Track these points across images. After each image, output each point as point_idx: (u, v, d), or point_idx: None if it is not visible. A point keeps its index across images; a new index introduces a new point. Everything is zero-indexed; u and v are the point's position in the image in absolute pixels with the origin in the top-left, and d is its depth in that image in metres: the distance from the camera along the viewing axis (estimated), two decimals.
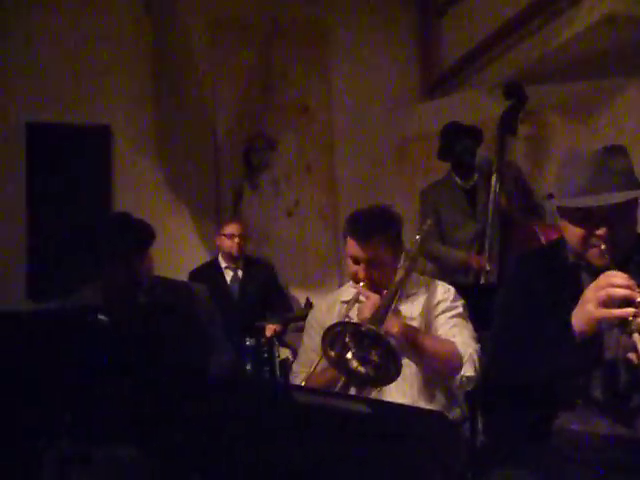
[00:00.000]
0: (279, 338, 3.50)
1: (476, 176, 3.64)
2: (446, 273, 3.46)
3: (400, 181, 4.58)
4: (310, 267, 4.46)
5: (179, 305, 2.19)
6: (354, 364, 1.73)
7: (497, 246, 3.42)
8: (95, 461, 1.85)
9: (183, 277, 3.66)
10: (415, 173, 4.47)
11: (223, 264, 3.90)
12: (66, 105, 4.15)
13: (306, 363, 2.01)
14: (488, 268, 3.37)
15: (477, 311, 2.01)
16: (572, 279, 1.54)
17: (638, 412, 1.50)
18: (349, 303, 1.92)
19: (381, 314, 1.74)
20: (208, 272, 3.85)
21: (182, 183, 4.36)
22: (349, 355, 1.73)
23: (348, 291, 2.07)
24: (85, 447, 1.85)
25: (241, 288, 3.87)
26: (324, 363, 1.83)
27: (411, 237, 2.18)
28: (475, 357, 1.86)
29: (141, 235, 2.17)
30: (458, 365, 1.84)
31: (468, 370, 1.84)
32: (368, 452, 1.17)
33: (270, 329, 3.50)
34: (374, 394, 1.88)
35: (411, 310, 1.99)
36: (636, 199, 1.49)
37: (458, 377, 1.84)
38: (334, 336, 1.72)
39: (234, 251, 3.82)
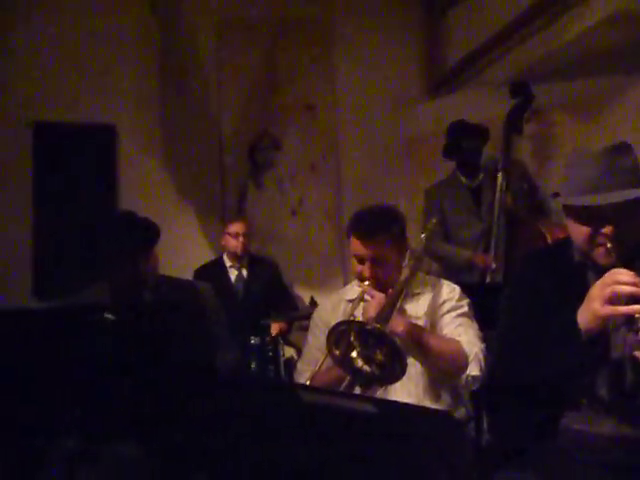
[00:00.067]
0: (284, 337, 3.51)
1: (481, 175, 3.63)
2: (451, 272, 3.45)
3: (405, 180, 4.57)
4: (314, 266, 4.46)
5: (184, 303, 2.19)
6: (359, 363, 1.73)
7: (503, 245, 3.41)
8: (101, 460, 1.85)
9: (188, 276, 3.67)
10: (420, 172, 4.46)
11: (228, 263, 3.91)
12: (72, 104, 4.16)
13: (311, 362, 2.01)
14: (494, 266, 3.36)
15: (482, 310, 2.00)
16: (578, 278, 1.53)
17: None
18: (354, 302, 1.92)
19: (386, 313, 1.73)
20: (213, 270, 3.86)
21: (187, 182, 4.37)
22: (354, 354, 1.73)
23: (353, 290, 2.07)
24: (91, 446, 1.85)
25: (246, 287, 3.88)
26: (329, 362, 1.83)
27: (416, 236, 2.17)
28: (481, 356, 1.85)
29: (146, 234, 2.18)
30: (464, 364, 1.83)
31: (474, 369, 1.84)
32: (374, 452, 1.16)
33: (275, 328, 3.50)
34: (379, 393, 1.88)
35: (416, 309, 1.98)
36: None
37: (464, 376, 1.84)
38: (339, 335, 1.71)
39: (238, 250, 3.82)
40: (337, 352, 1.72)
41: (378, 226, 1.93)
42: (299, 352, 3.24)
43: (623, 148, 1.49)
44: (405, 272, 1.94)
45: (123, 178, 4.26)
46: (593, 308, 1.37)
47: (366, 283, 1.91)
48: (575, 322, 1.39)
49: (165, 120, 4.36)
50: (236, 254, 3.84)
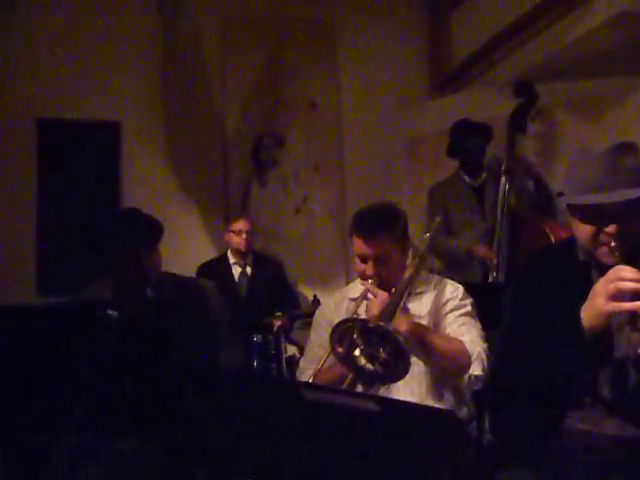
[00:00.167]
0: (286, 335, 3.51)
1: (485, 174, 3.63)
2: (454, 270, 3.44)
3: (409, 179, 4.57)
4: (318, 264, 4.46)
5: (188, 301, 2.20)
6: (362, 361, 1.73)
7: (506, 245, 3.41)
8: (103, 457, 1.86)
9: (191, 273, 3.67)
10: (424, 171, 4.46)
11: (232, 260, 3.91)
12: (76, 102, 4.17)
13: (313, 360, 2.01)
14: (496, 261, 3.35)
15: (486, 310, 2.00)
16: (582, 277, 1.53)
17: None
18: (357, 300, 1.92)
19: (390, 312, 1.73)
20: (216, 267, 3.87)
21: (191, 179, 4.38)
22: (357, 352, 1.73)
23: (356, 288, 2.07)
24: (93, 443, 1.86)
25: (249, 284, 3.88)
26: (331, 360, 1.83)
27: (420, 235, 2.17)
28: (483, 356, 1.85)
29: (150, 231, 2.18)
30: (466, 364, 1.83)
31: (476, 369, 1.84)
32: (377, 450, 1.17)
33: (277, 323, 3.51)
34: (381, 392, 1.88)
35: (420, 308, 1.98)
36: None
37: (466, 376, 1.84)
38: (342, 332, 1.71)
39: (242, 247, 3.83)
40: (340, 350, 1.72)
41: (380, 225, 1.93)
42: (301, 350, 3.23)
43: (627, 147, 1.49)
44: (408, 271, 1.94)
45: (127, 175, 4.27)
46: (597, 304, 1.37)
47: (369, 282, 1.91)
48: (578, 319, 1.39)
49: (169, 118, 4.36)
50: (239, 251, 3.85)
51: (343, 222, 4.35)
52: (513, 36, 3.83)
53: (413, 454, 1.16)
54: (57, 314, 1.89)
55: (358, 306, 1.89)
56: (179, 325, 2.11)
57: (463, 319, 1.94)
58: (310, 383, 1.80)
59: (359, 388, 1.80)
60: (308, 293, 4.09)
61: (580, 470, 1.48)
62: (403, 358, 1.67)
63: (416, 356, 1.83)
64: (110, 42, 4.25)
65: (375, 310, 1.78)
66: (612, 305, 1.35)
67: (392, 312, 1.73)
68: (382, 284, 1.90)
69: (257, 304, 3.77)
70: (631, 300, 1.34)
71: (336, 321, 1.78)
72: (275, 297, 3.85)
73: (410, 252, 2.04)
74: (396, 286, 1.88)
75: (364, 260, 1.94)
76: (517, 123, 3.59)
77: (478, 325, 1.96)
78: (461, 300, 1.98)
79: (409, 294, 1.94)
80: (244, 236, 3.82)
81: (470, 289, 2.06)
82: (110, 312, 1.85)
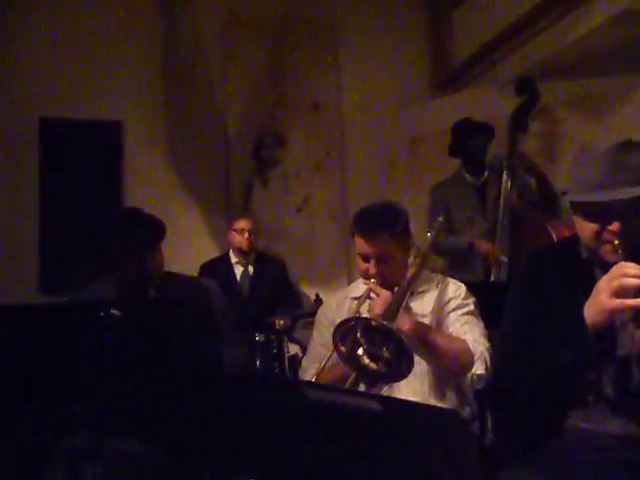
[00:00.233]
0: (288, 334, 3.51)
1: (487, 173, 3.62)
2: (456, 268, 3.44)
3: (410, 178, 4.57)
4: (319, 263, 4.46)
5: (190, 300, 2.20)
6: (365, 360, 1.73)
7: (508, 243, 3.40)
8: (105, 456, 1.86)
9: (193, 273, 3.67)
10: (426, 170, 4.46)
11: (234, 259, 3.92)
12: (78, 101, 4.17)
13: (315, 359, 2.01)
14: (503, 258, 3.34)
15: (488, 309, 2.00)
16: (585, 275, 1.53)
17: None
18: (360, 299, 1.92)
19: (392, 310, 1.73)
20: (219, 266, 3.87)
21: (193, 179, 4.38)
22: (360, 351, 1.73)
23: (358, 288, 2.07)
24: (95, 442, 1.86)
25: (251, 284, 3.88)
26: (334, 359, 1.83)
27: (422, 234, 2.17)
28: (486, 355, 1.85)
29: (152, 230, 2.18)
30: (469, 363, 1.83)
31: (479, 368, 1.83)
32: (379, 449, 1.16)
33: (279, 322, 3.51)
34: (384, 391, 1.87)
35: (422, 307, 1.98)
36: None
37: (469, 375, 1.84)
38: (345, 331, 1.71)
39: (244, 246, 3.83)
40: (343, 349, 1.72)
41: (381, 223, 1.93)
42: (304, 349, 3.23)
43: (631, 145, 1.49)
44: (411, 270, 1.94)
45: (129, 175, 4.27)
46: (600, 301, 1.36)
47: (371, 281, 1.91)
48: (581, 317, 1.39)
49: (171, 117, 4.37)
50: (242, 250, 3.85)
51: (345, 221, 4.35)
52: (514, 35, 3.83)
53: (416, 453, 1.16)
54: (59, 313, 1.89)
55: (361, 305, 1.89)
56: (181, 325, 2.10)
57: (466, 318, 1.94)
58: (313, 382, 1.80)
59: (362, 387, 1.80)
60: (310, 292, 4.09)
61: (583, 470, 1.48)
62: (406, 357, 1.67)
63: (419, 355, 1.82)
64: (112, 42, 4.25)
65: (378, 309, 1.78)
66: (616, 302, 1.34)
67: (395, 311, 1.73)
68: (384, 283, 1.90)
69: (259, 303, 3.77)
70: (635, 297, 1.33)
71: (338, 320, 1.77)
72: (277, 296, 3.85)
73: (412, 251, 2.04)
74: (398, 285, 1.88)
75: (366, 259, 1.94)
76: (518, 122, 3.59)
77: (481, 324, 1.96)
78: (464, 299, 1.98)
79: (412, 293, 1.94)
80: (246, 235, 3.82)
81: (472, 288, 2.06)
82: (113, 311, 1.85)
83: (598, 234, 1.48)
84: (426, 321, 1.93)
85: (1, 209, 4.05)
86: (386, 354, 1.71)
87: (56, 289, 3.81)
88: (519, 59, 3.93)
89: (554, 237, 3.18)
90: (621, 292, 1.34)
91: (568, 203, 1.55)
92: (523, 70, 3.89)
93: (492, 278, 3.40)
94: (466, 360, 1.83)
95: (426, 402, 1.87)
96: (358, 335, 1.72)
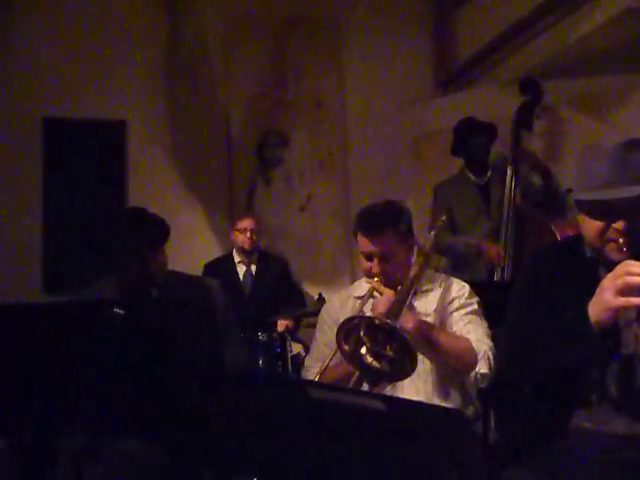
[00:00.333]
0: (291, 333, 3.51)
1: (490, 172, 3.61)
2: (460, 269, 3.43)
3: (413, 177, 4.57)
4: (322, 263, 4.46)
5: (193, 300, 2.19)
6: (368, 359, 1.72)
7: (512, 243, 3.39)
8: (107, 456, 1.86)
9: (197, 272, 3.67)
10: (429, 169, 4.45)
11: (237, 259, 3.92)
12: (82, 100, 4.18)
13: (318, 358, 2.01)
14: (505, 262, 3.33)
15: (491, 308, 2.00)
16: (589, 274, 1.52)
17: None
18: (363, 298, 1.91)
19: (396, 309, 1.73)
20: (222, 266, 3.87)
21: (196, 178, 4.38)
22: (363, 350, 1.73)
23: (361, 287, 2.07)
24: (97, 442, 1.86)
25: (254, 283, 3.88)
26: (337, 358, 1.83)
27: (425, 233, 2.17)
28: (490, 354, 1.85)
29: (155, 230, 2.17)
30: (473, 362, 1.83)
31: (482, 367, 1.83)
32: (383, 449, 1.16)
33: (282, 325, 3.50)
34: (387, 390, 1.87)
35: (426, 306, 1.98)
36: None
37: (472, 374, 1.83)
38: (349, 330, 1.71)
39: (246, 245, 3.84)
40: (346, 347, 1.72)
41: (384, 222, 1.93)
42: (307, 348, 3.23)
43: (636, 144, 1.49)
44: (414, 269, 1.93)
45: (132, 174, 4.28)
46: (605, 299, 1.36)
47: (375, 280, 1.91)
48: (586, 315, 1.38)
49: (174, 117, 4.37)
50: (244, 249, 3.86)
51: (348, 220, 4.35)
52: (517, 34, 3.82)
53: (419, 453, 1.16)
54: (62, 313, 1.89)
55: (364, 304, 1.88)
56: (184, 324, 2.10)
57: (469, 317, 1.94)
58: (316, 382, 1.80)
59: (365, 386, 1.79)
60: (313, 291, 4.09)
61: (587, 470, 1.47)
62: (410, 356, 1.67)
63: (422, 354, 1.82)
64: (115, 42, 4.26)
65: (381, 308, 1.78)
66: (621, 300, 1.34)
67: (398, 310, 1.73)
68: (388, 282, 1.90)
69: (262, 303, 3.77)
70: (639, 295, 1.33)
71: (342, 320, 1.77)
72: (280, 295, 3.85)
73: (415, 250, 2.03)
74: (402, 284, 1.88)
75: (369, 258, 1.94)
76: (522, 121, 3.58)
77: (484, 323, 1.95)
78: (467, 298, 1.98)
79: (415, 292, 1.94)
80: (248, 234, 3.83)
81: (476, 287, 2.05)
82: (117, 310, 1.84)
83: (602, 232, 1.48)
84: (429, 320, 1.93)
85: (4, 209, 4.06)
86: (389, 353, 1.71)
87: (59, 288, 3.82)
88: (522, 58, 3.92)
89: (558, 236, 3.18)
90: (626, 290, 1.34)
91: (572, 200, 1.54)
92: (526, 69, 3.88)
93: (495, 278, 3.39)
94: (469, 359, 1.83)
95: (430, 401, 1.87)
96: (361, 334, 1.72)
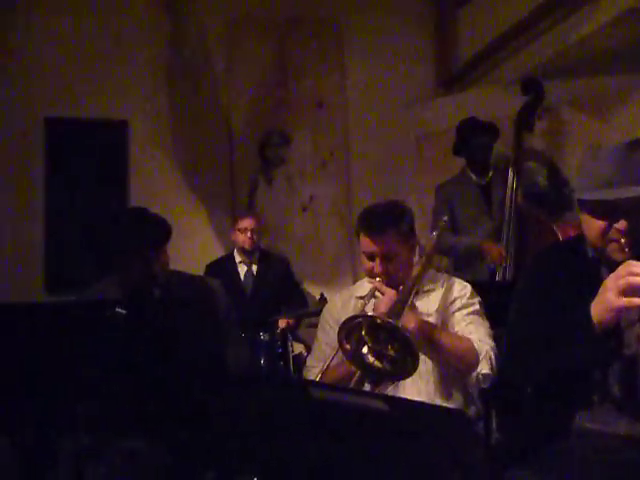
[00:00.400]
0: (293, 333, 3.51)
1: (491, 172, 3.61)
2: (462, 269, 3.43)
3: (415, 177, 4.56)
4: (324, 262, 4.46)
5: (194, 299, 2.19)
6: (370, 358, 1.72)
7: (513, 243, 3.39)
8: (109, 456, 1.86)
9: (198, 272, 3.67)
10: (430, 169, 4.45)
11: (238, 258, 3.92)
12: (84, 100, 4.18)
13: (320, 358, 2.01)
14: (507, 263, 3.33)
15: (493, 308, 2.00)
16: (591, 274, 1.52)
17: None
18: (365, 298, 1.91)
19: (398, 309, 1.73)
20: (223, 266, 3.88)
21: (198, 178, 4.38)
22: (365, 349, 1.73)
23: (363, 287, 2.07)
24: (99, 441, 1.86)
25: (255, 283, 3.89)
26: (338, 358, 1.83)
27: (426, 233, 2.17)
28: (492, 354, 1.84)
29: (157, 230, 2.17)
30: (475, 362, 1.82)
31: (484, 367, 1.83)
32: (385, 449, 1.16)
33: (283, 321, 3.51)
34: (389, 390, 1.87)
35: (428, 306, 1.98)
36: None
37: (474, 374, 1.83)
38: (350, 329, 1.71)
39: (246, 245, 3.84)
40: (348, 346, 1.72)
41: (387, 222, 1.93)
42: (308, 348, 3.24)
43: (638, 144, 1.49)
44: (416, 269, 1.93)
45: (134, 174, 4.28)
46: (607, 300, 1.36)
47: (377, 279, 1.91)
48: (588, 315, 1.38)
49: (176, 117, 4.37)
50: (244, 249, 3.86)
51: (350, 220, 4.35)
52: (520, 34, 3.82)
53: (421, 453, 1.16)
54: (65, 312, 1.89)
55: (366, 304, 1.88)
56: (186, 324, 2.10)
57: (471, 317, 1.93)
58: (317, 381, 1.80)
59: (366, 386, 1.79)
60: (314, 291, 4.09)
61: (589, 470, 1.47)
62: (412, 355, 1.67)
63: (424, 354, 1.82)
64: (117, 42, 4.26)
65: (383, 307, 1.78)
66: (623, 300, 1.34)
67: (400, 309, 1.73)
68: (389, 282, 1.90)
69: (263, 302, 3.77)
70: None
71: (343, 319, 1.77)
72: (282, 295, 3.85)
73: (417, 250, 2.03)
74: (403, 284, 1.88)
75: (371, 258, 1.94)
76: (524, 121, 3.58)
77: (486, 324, 1.95)
78: (469, 298, 1.98)
79: (417, 292, 1.94)
80: (249, 234, 3.83)
81: (478, 287, 2.05)
82: (119, 310, 1.85)
83: (605, 232, 1.48)
84: (431, 320, 1.93)
85: (7, 209, 4.07)
86: (391, 352, 1.71)
87: (61, 288, 3.82)
88: (524, 58, 3.92)
89: (560, 237, 3.17)
90: (628, 291, 1.34)
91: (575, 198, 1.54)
92: (527, 70, 3.88)
93: (497, 278, 3.39)
94: (471, 359, 1.83)
95: (431, 402, 1.86)
96: (363, 333, 1.72)
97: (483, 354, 1.84)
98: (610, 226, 1.47)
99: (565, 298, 1.51)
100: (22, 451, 1.84)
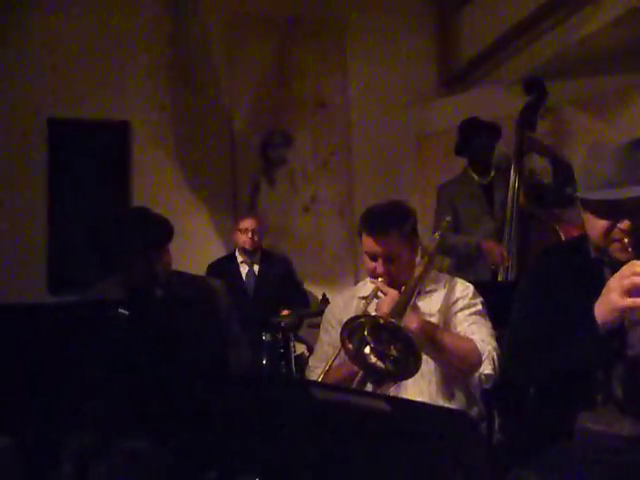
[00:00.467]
0: (295, 333, 3.51)
1: (493, 172, 3.61)
2: (463, 269, 3.43)
3: (417, 177, 4.56)
4: (326, 263, 4.46)
5: (196, 300, 2.19)
6: (372, 359, 1.72)
7: (516, 243, 3.38)
8: (112, 455, 1.86)
9: (200, 272, 3.67)
10: (432, 169, 4.45)
11: (240, 258, 3.93)
12: (86, 101, 4.18)
13: (322, 358, 2.01)
14: (509, 263, 3.32)
15: (496, 309, 1.99)
16: (594, 274, 1.52)
17: None
18: (367, 298, 1.91)
19: (400, 309, 1.73)
20: (225, 265, 3.88)
21: (199, 178, 4.39)
22: (367, 349, 1.73)
23: (365, 287, 2.06)
24: (102, 441, 1.86)
25: (257, 283, 3.89)
26: (341, 358, 1.82)
27: (428, 233, 2.16)
28: (494, 355, 1.84)
29: (160, 230, 2.17)
30: (477, 362, 1.82)
31: (487, 368, 1.82)
32: (387, 450, 1.16)
33: (286, 312, 3.52)
34: (391, 391, 1.87)
35: (430, 306, 1.97)
36: None
37: (477, 375, 1.83)
38: (353, 329, 1.71)
39: (247, 245, 3.85)
40: (350, 346, 1.72)
41: (390, 223, 1.93)
42: (310, 349, 3.24)
43: None
44: (418, 269, 1.93)
45: (136, 175, 4.28)
46: (611, 300, 1.36)
47: (379, 280, 1.90)
48: (592, 315, 1.38)
49: (177, 117, 4.37)
50: (245, 249, 3.86)
51: (351, 220, 4.35)
52: (522, 34, 3.81)
53: (424, 454, 1.15)
54: (67, 313, 1.89)
55: (368, 304, 1.88)
56: (188, 324, 2.10)
57: (473, 318, 1.93)
58: (319, 382, 1.80)
59: (369, 386, 1.79)
60: (316, 291, 4.09)
61: (592, 471, 1.47)
62: (414, 355, 1.66)
63: (426, 354, 1.82)
64: (119, 41, 4.26)
65: (385, 308, 1.77)
66: (627, 301, 1.34)
67: (402, 310, 1.73)
68: (392, 282, 1.90)
69: (265, 302, 3.77)
70: None
71: (345, 320, 1.77)
72: (284, 295, 3.85)
73: (419, 251, 2.03)
74: (406, 284, 1.88)
75: (374, 258, 1.94)
76: (527, 120, 3.57)
77: (488, 324, 1.95)
78: (471, 299, 1.97)
79: (419, 292, 1.94)
80: (250, 234, 3.83)
81: (480, 288, 2.05)
82: (121, 310, 1.85)
83: (608, 232, 1.48)
84: (434, 320, 1.93)
85: (10, 209, 4.07)
86: (393, 352, 1.70)
87: (64, 289, 3.83)
88: (526, 58, 3.91)
89: (562, 237, 3.17)
90: (632, 291, 1.33)
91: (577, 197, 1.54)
92: (530, 69, 3.87)
93: (499, 278, 3.38)
94: (474, 359, 1.82)
95: (434, 402, 1.86)
96: (365, 333, 1.72)
97: (485, 354, 1.83)
98: (613, 226, 1.47)
99: (567, 298, 1.50)
100: (25, 451, 1.84)
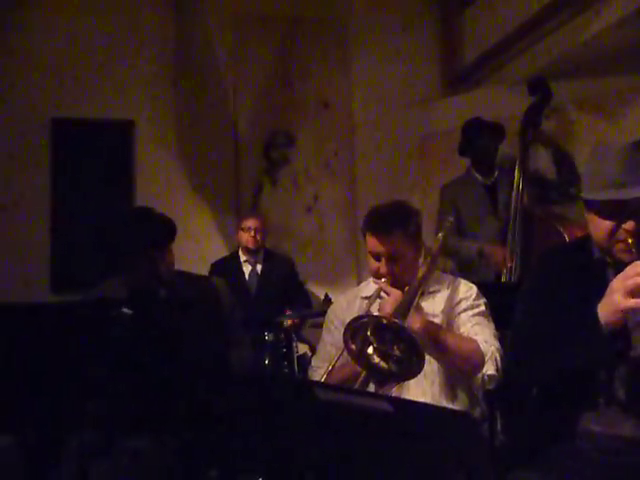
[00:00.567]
0: (297, 333, 3.51)
1: (497, 173, 3.60)
2: (466, 271, 3.42)
3: (420, 177, 4.56)
4: (329, 262, 4.46)
5: (200, 299, 2.19)
6: (375, 359, 1.72)
7: (519, 244, 3.38)
8: (114, 454, 1.86)
9: (204, 272, 3.68)
10: (435, 169, 4.44)
11: (243, 258, 3.93)
12: (90, 101, 4.20)
13: (325, 358, 2.01)
14: (510, 264, 3.31)
15: (499, 310, 1.99)
16: (597, 275, 1.52)
17: None
18: (370, 299, 1.91)
19: (403, 309, 1.72)
20: (228, 265, 3.88)
21: (203, 178, 4.39)
22: (370, 350, 1.72)
23: (368, 287, 2.06)
24: (104, 440, 1.86)
25: (259, 282, 3.89)
26: (343, 358, 1.82)
27: (431, 233, 2.16)
28: (497, 355, 1.84)
29: (163, 230, 2.17)
30: (480, 363, 1.82)
31: (490, 368, 1.82)
32: (390, 450, 1.16)
33: (289, 321, 3.51)
34: (394, 391, 1.87)
35: (433, 307, 1.97)
36: None
37: (480, 375, 1.83)
38: (356, 329, 1.71)
39: (250, 244, 3.85)
40: (353, 347, 1.71)
41: (394, 223, 1.92)
42: (313, 349, 3.24)
43: None
44: (422, 270, 1.93)
45: (140, 174, 4.29)
46: (614, 301, 1.35)
47: (382, 280, 1.90)
48: (595, 316, 1.38)
49: (181, 117, 4.38)
50: (248, 248, 3.87)
51: (354, 220, 4.35)
52: (526, 34, 3.80)
53: (426, 454, 1.15)
54: (71, 312, 1.90)
55: (371, 304, 1.88)
56: (191, 324, 2.11)
57: (477, 319, 1.93)
58: (322, 382, 1.80)
59: (371, 387, 1.79)
60: (319, 291, 4.09)
61: (594, 472, 1.47)
62: (417, 355, 1.66)
63: (429, 354, 1.82)
64: (123, 42, 4.27)
65: (389, 308, 1.77)
66: (630, 301, 1.33)
67: (406, 310, 1.72)
68: (395, 282, 1.89)
69: (268, 302, 3.77)
70: None
71: (348, 320, 1.77)
72: (287, 295, 3.85)
73: (423, 251, 2.03)
74: (409, 285, 1.88)
75: (377, 258, 1.94)
76: (531, 121, 3.56)
77: (491, 325, 1.95)
78: (475, 300, 1.97)
79: (422, 293, 1.93)
80: (253, 233, 3.84)
81: (483, 288, 2.04)
82: (124, 310, 1.85)
83: (612, 232, 1.48)
84: (437, 321, 1.92)
85: (13, 209, 4.08)
86: (397, 353, 1.70)
87: (67, 288, 3.83)
88: (530, 59, 3.91)
89: (566, 237, 3.16)
90: (636, 292, 1.33)
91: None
92: (534, 70, 3.86)
93: (503, 279, 3.37)
94: (477, 360, 1.82)
95: (436, 403, 1.86)
96: (368, 333, 1.71)
97: (488, 355, 1.83)
98: (617, 226, 1.47)
99: (571, 299, 1.50)
100: (27, 450, 1.84)
